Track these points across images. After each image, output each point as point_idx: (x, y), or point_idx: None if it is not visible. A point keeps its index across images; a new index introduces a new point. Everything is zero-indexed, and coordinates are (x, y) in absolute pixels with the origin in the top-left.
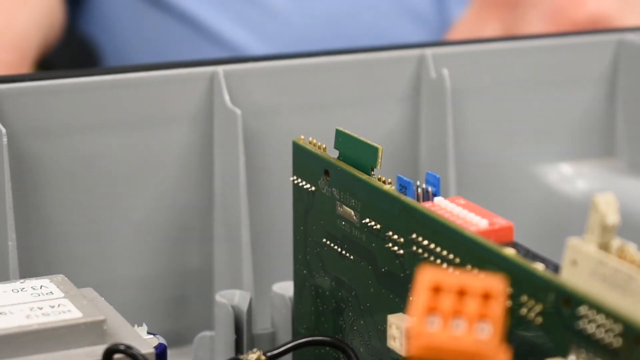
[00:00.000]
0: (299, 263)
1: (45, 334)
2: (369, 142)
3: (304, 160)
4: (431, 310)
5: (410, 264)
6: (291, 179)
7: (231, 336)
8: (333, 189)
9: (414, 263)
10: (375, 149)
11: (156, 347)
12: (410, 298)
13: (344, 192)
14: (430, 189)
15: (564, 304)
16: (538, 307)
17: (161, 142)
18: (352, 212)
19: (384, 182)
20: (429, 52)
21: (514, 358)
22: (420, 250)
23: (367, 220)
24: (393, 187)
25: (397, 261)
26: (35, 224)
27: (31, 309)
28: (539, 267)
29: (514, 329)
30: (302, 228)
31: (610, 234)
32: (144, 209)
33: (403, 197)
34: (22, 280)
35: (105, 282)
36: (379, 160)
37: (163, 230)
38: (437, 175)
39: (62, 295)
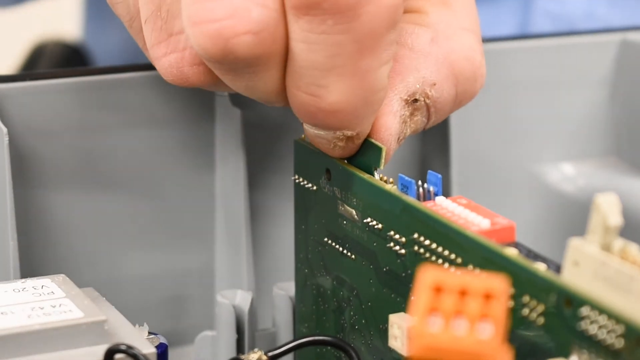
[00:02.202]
0: (301, 262)
1: (46, 334)
2: (374, 141)
3: (306, 159)
4: (432, 311)
5: (411, 264)
6: (292, 178)
7: (232, 336)
8: (334, 188)
9: (415, 262)
10: (379, 149)
11: (157, 347)
12: (412, 298)
13: (346, 191)
14: (431, 188)
15: (566, 305)
16: (540, 308)
17: (162, 142)
18: (354, 212)
19: (385, 181)
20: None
21: (516, 358)
22: (421, 250)
23: (369, 219)
24: (395, 187)
25: (398, 260)
26: (36, 224)
27: (32, 309)
28: (541, 267)
29: (516, 329)
30: (303, 227)
31: (612, 234)
32: (145, 208)
33: (405, 197)
34: (23, 280)
35: (107, 282)
36: (382, 160)
37: (164, 229)
38: (439, 175)
39: (64, 295)
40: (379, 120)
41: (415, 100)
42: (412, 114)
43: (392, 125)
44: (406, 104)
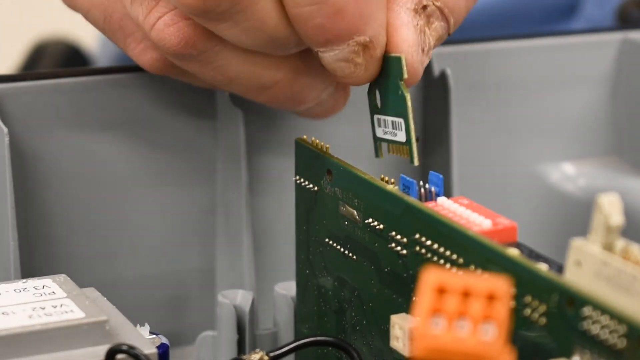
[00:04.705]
0: (302, 263)
1: (47, 334)
2: (392, 54)
3: (307, 159)
4: (435, 312)
5: (413, 264)
6: (294, 178)
7: (233, 336)
8: (336, 188)
9: (417, 263)
10: (399, 59)
11: (159, 347)
12: (414, 298)
13: (347, 191)
14: (433, 189)
15: (568, 305)
16: (542, 308)
17: (163, 142)
18: (355, 212)
19: (387, 182)
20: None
21: (518, 359)
22: (423, 251)
23: (370, 220)
24: (396, 187)
25: (400, 261)
26: (37, 224)
27: (33, 309)
28: (543, 267)
29: (518, 329)
30: (304, 228)
31: (614, 234)
32: (146, 208)
33: (406, 197)
34: (24, 280)
35: (108, 282)
36: (404, 69)
37: (165, 229)
38: (440, 175)
39: (65, 295)
40: (394, 35)
41: (425, 7)
42: (428, 22)
43: (407, 37)
44: (416, 13)
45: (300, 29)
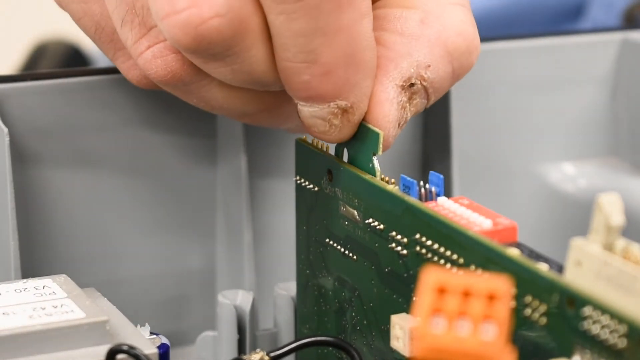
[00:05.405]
0: (302, 263)
1: (48, 334)
2: (371, 126)
3: (307, 159)
4: (436, 312)
5: (413, 264)
6: (294, 178)
7: (234, 336)
8: (336, 188)
9: (417, 263)
10: (377, 135)
11: (159, 347)
12: (414, 298)
13: (347, 192)
14: (433, 189)
15: (568, 305)
16: (542, 308)
17: (163, 141)
18: (355, 212)
19: (387, 182)
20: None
21: (518, 359)
22: (423, 251)
23: (371, 220)
24: (396, 187)
25: (400, 261)
26: (38, 224)
27: (34, 309)
28: (543, 267)
29: (518, 329)
30: (305, 228)
31: (614, 234)
32: (146, 208)
33: (406, 197)
34: (24, 281)
35: (108, 282)
36: (380, 146)
37: (165, 229)
38: (441, 175)
39: (65, 295)
40: (376, 108)
41: (412, 85)
42: (410, 98)
43: (389, 113)
44: (402, 89)
45: (286, 81)
